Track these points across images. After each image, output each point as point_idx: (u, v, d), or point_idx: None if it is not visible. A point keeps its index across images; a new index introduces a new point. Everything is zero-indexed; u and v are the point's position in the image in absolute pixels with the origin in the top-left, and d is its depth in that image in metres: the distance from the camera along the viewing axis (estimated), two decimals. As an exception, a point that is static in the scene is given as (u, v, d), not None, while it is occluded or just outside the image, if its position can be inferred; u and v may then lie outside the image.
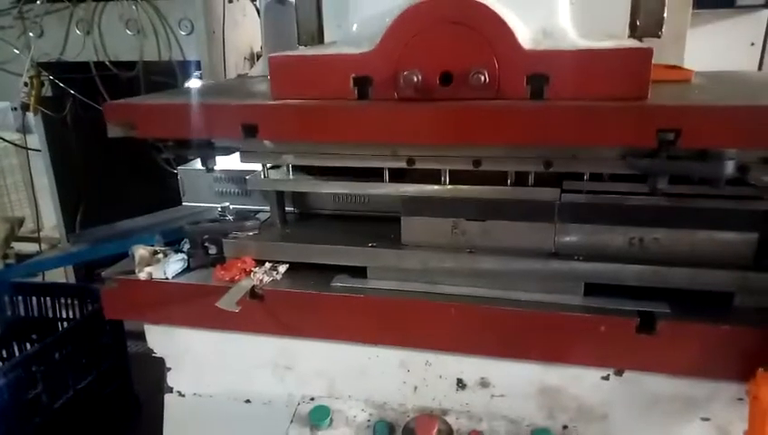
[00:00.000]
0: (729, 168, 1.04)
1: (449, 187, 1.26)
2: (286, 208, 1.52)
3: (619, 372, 1.22)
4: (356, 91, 1.18)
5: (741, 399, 1.15)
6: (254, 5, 2.57)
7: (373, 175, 1.32)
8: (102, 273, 1.42)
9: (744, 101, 1.07)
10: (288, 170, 1.42)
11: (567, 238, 1.25)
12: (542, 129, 1.08)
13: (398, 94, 1.16)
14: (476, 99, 1.12)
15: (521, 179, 1.24)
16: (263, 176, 1.42)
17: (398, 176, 1.31)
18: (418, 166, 1.25)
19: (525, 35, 1.13)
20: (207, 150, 1.35)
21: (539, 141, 1.12)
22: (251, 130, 1.19)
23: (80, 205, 3.07)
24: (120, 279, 1.40)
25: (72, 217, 3.07)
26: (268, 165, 1.42)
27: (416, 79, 1.12)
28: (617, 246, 1.23)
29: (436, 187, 1.27)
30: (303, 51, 1.32)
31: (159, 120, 1.27)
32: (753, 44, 2.11)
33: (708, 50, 1.55)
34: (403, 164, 1.26)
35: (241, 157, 1.38)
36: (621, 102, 1.05)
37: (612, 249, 1.23)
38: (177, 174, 1.74)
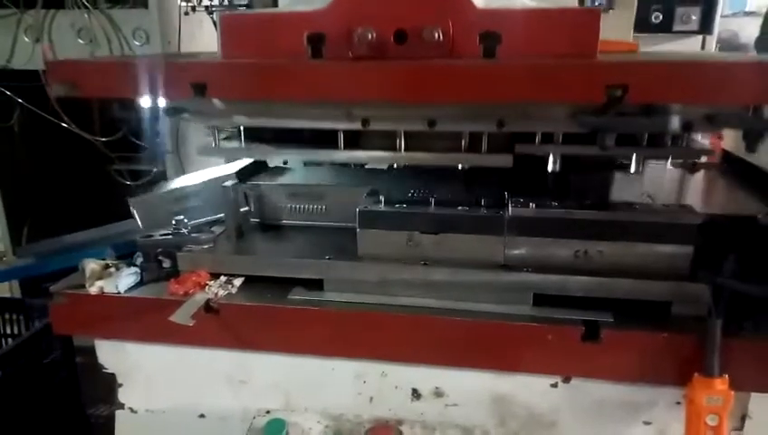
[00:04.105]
0: (675, 123, 1.08)
1: (404, 154, 1.26)
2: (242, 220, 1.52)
3: (566, 380, 1.26)
4: (310, 50, 1.16)
5: (679, 402, 1.21)
6: (211, 18, 2.55)
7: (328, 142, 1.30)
8: (51, 287, 1.38)
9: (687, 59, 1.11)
10: (240, 140, 1.38)
11: (516, 251, 1.30)
12: (495, 86, 1.09)
13: (353, 53, 1.14)
14: (430, 57, 1.12)
15: (474, 144, 1.24)
16: (214, 144, 1.37)
17: (353, 144, 1.29)
18: (373, 126, 1.23)
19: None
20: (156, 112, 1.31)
21: (491, 98, 1.12)
22: (200, 89, 1.15)
23: (27, 217, 2.97)
24: (69, 293, 1.37)
25: (19, 230, 2.97)
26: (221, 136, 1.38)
27: (370, 36, 1.11)
28: (563, 259, 1.28)
29: (390, 153, 1.27)
30: (255, 10, 1.29)
31: (104, 79, 1.22)
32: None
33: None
34: (358, 125, 1.24)
35: (190, 117, 1.32)
36: (571, 60, 1.08)
37: (559, 261, 1.28)
38: (129, 186, 1.71)
